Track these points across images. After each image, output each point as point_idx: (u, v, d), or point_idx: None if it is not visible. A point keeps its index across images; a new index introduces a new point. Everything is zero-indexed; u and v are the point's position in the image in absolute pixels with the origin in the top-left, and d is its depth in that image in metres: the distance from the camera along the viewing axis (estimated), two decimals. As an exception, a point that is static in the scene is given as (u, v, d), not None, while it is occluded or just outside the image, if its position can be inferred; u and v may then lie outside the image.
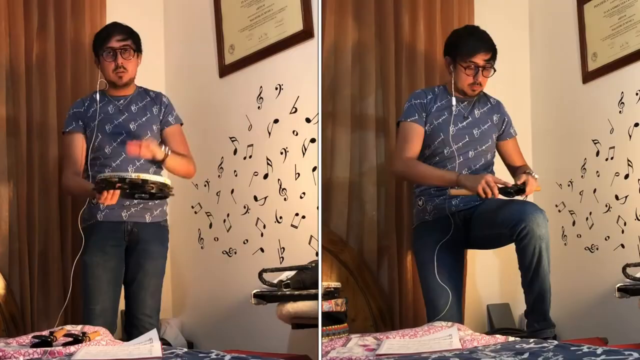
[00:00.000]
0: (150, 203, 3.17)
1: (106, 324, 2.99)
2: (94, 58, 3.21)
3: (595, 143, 3.50)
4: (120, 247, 3.15)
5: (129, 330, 3.16)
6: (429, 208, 3.21)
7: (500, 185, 2.95)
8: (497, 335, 2.75)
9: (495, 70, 3.17)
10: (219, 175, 3.58)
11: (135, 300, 3.16)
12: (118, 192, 2.86)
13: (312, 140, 3.21)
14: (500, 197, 2.99)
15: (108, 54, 3.13)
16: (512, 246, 3.00)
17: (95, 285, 3.08)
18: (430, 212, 3.21)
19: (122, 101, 3.21)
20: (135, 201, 3.14)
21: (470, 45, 3.14)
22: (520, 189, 3.01)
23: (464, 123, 3.21)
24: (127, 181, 2.84)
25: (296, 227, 3.26)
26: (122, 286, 3.17)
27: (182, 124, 3.30)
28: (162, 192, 2.94)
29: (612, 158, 3.43)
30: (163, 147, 3.10)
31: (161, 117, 3.24)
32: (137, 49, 3.18)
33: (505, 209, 3.02)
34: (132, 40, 3.16)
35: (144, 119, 3.20)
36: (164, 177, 2.99)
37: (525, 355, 2.32)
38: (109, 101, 3.20)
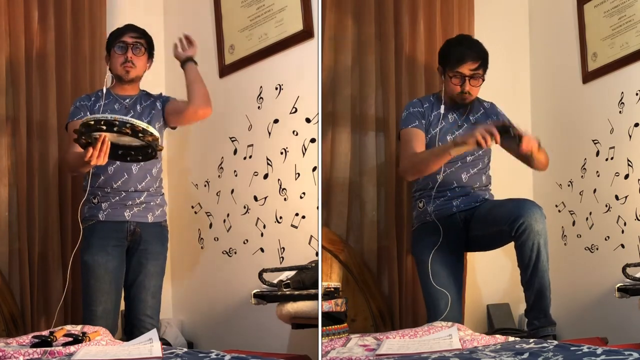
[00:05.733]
0: (152, 203, 3.17)
1: (107, 326, 2.98)
2: (105, 55, 3.23)
3: (595, 143, 3.50)
4: (122, 247, 3.14)
5: (130, 330, 3.16)
6: (430, 209, 3.21)
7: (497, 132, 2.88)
8: (497, 335, 2.75)
9: (483, 80, 3.16)
10: (219, 175, 3.57)
11: (136, 301, 3.16)
12: (106, 148, 2.74)
13: (312, 140, 3.21)
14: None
15: (119, 48, 3.16)
16: (512, 246, 3.01)
17: (97, 286, 3.06)
18: (431, 213, 3.21)
19: (127, 100, 3.21)
20: (138, 200, 3.14)
21: (457, 55, 3.15)
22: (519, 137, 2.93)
23: (460, 131, 3.21)
24: (103, 122, 2.68)
25: (296, 227, 3.26)
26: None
27: None
28: (151, 146, 2.80)
29: (612, 158, 3.43)
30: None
31: (161, 108, 3.24)
32: (149, 50, 3.21)
33: (504, 207, 3.07)
34: (145, 39, 3.20)
35: (149, 117, 3.20)
36: (147, 125, 2.77)
37: (525, 355, 2.32)
38: (115, 99, 3.20)
